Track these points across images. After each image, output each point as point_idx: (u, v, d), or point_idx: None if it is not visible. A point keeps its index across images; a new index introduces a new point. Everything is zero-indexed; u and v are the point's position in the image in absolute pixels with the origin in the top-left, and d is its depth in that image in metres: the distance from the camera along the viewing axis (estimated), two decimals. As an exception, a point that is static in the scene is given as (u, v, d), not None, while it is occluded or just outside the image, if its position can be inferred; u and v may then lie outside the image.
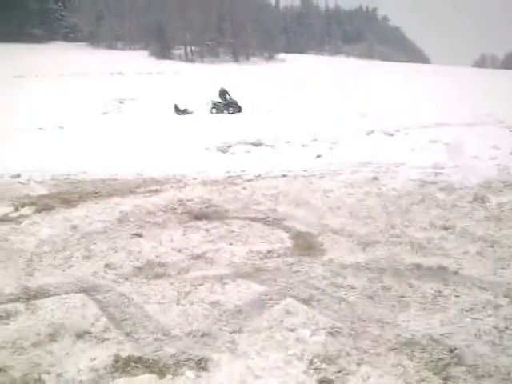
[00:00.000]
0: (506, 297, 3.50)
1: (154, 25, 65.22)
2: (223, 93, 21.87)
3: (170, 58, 62.15)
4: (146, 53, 63.55)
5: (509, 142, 9.83)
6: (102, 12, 69.39)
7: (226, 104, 21.48)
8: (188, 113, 21.42)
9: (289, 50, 79.27)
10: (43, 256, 4.77)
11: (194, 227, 5.65)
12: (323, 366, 2.72)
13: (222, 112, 21.16)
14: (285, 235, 5.28)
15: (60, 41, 66.77)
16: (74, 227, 5.68)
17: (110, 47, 67.79)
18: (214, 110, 21.62)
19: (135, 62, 48.96)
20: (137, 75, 36.22)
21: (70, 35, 69.80)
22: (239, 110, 21.35)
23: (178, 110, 21.32)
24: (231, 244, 5.05)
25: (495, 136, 10.95)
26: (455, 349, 2.84)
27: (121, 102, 22.67)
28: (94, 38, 68.16)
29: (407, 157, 9.09)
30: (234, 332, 3.16)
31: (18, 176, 8.45)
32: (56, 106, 19.93)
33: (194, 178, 8.47)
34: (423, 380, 2.55)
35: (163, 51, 63.31)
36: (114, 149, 11.48)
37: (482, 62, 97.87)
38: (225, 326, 3.26)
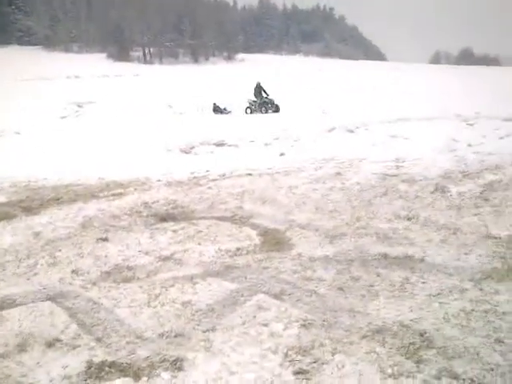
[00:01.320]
0: (470, 280, 3.61)
1: (112, 27, 64.23)
2: (258, 89, 19.94)
3: (128, 60, 61.39)
4: (103, 55, 62.59)
5: (466, 135, 10.12)
6: (56, 15, 67.86)
7: (261, 103, 19.80)
8: (226, 112, 20.35)
9: (248, 50, 79.44)
10: (6, 265, 4.64)
11: (161, 229, 5.61)
12: (298, 357, 2.74)
13: (257, 112, 19.41)
14: (253, 232, 5.30)
15: (14, 44, 64.95)
16: (37, 234, 5.55)
17: (66, 50, 66.47)
18: (248, 111, 19.94)
19: (92, 64, 48.16)
20: (95, 78, 35.62)
21: (25, 39, 68.03)
22: (276, 109, 19.56)
23: (216, 109, 20.40)
24: (199, 244, 5.03)
25: (453, 129, 11.26)
26: (425, 333, 2.91)
27: (79, 106, 22.32)
28: (49, 41, 66.57)
29: (369, 152, 9.24)
30: (207, 330, 3.15)
31: (-25, 185, 8.19)
32: (12, 110, 19.41)
33: (159, 180, 8.39)
34: (396, 364, 2.60)
35: (121, 53, 62.50)
36: (74, 153, 11.26)
37: (436, 59, 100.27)
38: (198, 325, 3.24)
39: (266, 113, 19.12)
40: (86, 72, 39.27)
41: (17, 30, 68.60)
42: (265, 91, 19.98)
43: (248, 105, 20.04)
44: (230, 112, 20.42)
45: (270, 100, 19.84)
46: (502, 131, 10.12)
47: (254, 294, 3.63)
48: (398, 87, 24.39)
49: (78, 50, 68.69)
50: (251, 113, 19.69)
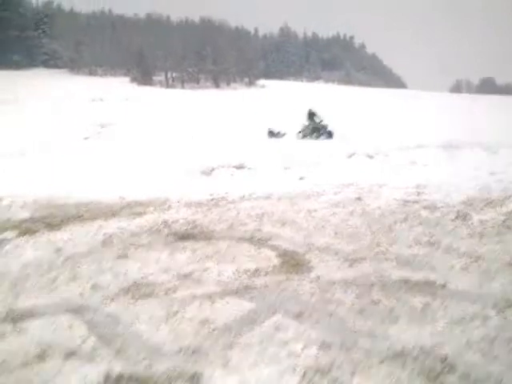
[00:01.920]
0: (493, 308, 3.54)
1: (135, 51, 65.65)
2: (311, 115, 19.35)
3: (151, 84, 62.43)
4: (126, 79, 63.76)
5: (488, 163, 10.07)
6: (81, 39, 69.69)
7: (313, 128, 18.96)
8: (281, 136, 19.64)
9: (268, 76, 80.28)
10: (28, 279, 4.69)
11: (181, 248, 5.63)
12: (316, 378, 2.71)
13: (309, 137, 18.53)
14: (272, 254, 5.29)
15: (40, 67, 66.68)
16: (58, 250, 5.61)
17: (91, 73, 67.97)
18: (300, 135, 19.20)
19: (116, 88, 49.09)
20: (118, 101, 36.26)
21: (51, 62, 69.86)
22: (329, 135, 18.75)
23: (271, 134, 19.86)
24: (218, 264, 5.03)
25: (475, 157, 11.22)
26: (446, 358, 2.86)
27: (102, 127, 22.63)
28: (74, 65, 68.21)
29: (388, 177, 9.22)
30: (225, 348, 3.13)
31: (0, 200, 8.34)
32: (37, 131, 19.81)
33: (178, 201, 8.46)
34: (416, 389, 2.56)
35: (144, 77, 63.67)
36: (97, 173, 11.43)
37: (457, 88, 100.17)
38: (215, 342, 3.23)
39: (317, 139, 18.31)
40: (110, 95, 40.00)
41: (43, 53, 70.53)
42: (317, 116, 19.33)
43: (300, 129, 19.37)
44: (284, 135, 19.79)
45: (323, 126, 19.06)
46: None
47: (272, 315, 3.61)
48: (417, 115, 24.36)
49: (102, 73, 70.18)
50: (303, 137, 18.95)
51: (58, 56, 70.56)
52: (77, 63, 68.57)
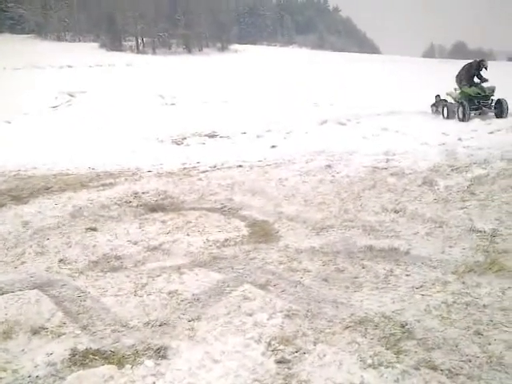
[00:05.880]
0: (453, 273, 3.66)
1: (104, 15, 63.72)
2: (467, 71, 11.86)
3: (121, 50, 60.89)
4: (96, 44, 62.03)
5: (457, 129, 10.19)
6: (48, 2, 67.16)
7: (465, 97, 11.35)
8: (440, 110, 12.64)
9: (241, 41, 79.02)
10: (-6, 254, 4.65)
11: (150, 219, 5.64)
12: (281, 347, 2.78)
13: (454, 114, 11.59)
14: (241, 224, 5.34)
15: (6, 33, 64.22)
16: (26, 223, 5.56)
17: (59, 39, 65.85)
18: (444, 110, 12.17)
19: (85, 54, 47.74)
20: (87, 68, 35.35)
21: (17, 27, 67.24)
22: (500, 110, 11.06)
23: (441, 105, 12.76)
24: (188, 234, 5.06)
25: (444, 123, 11.33)
26: (406, 324, 2.96)
27: (71, 96, 22.09)
28: (41, 30, 65.88)
29: (359, 145, 9.28)
30: (192, 320, 3.18)
31: (-35, 173, 8.18)
32: (3, 100, 19.24)
33: (149, 171, 8.40)
34: (376, 355, 2.64)
35: (114, 43, 61.98)
36: (66, 143, 11.26)
37: (430, 53, 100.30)
38: (183, 314, 3.27)
39: (465, 118, 11.09)
40: (79, 61, 38.89)
41: (8, 18, 67.74)
42: (480, 76, 11.81)
43: (454, 98, 12.10)
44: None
45: (480, 91, 11.43)
46: (493, 126, 10.20)
47: (240, 285, 3.66)
48: (390, 80, 24.39)
49: (70, 38, 67.99)
50: (447, 116, 11.96)
51: (25, 21, 67.88)
52: (44, 28, 66.20)
